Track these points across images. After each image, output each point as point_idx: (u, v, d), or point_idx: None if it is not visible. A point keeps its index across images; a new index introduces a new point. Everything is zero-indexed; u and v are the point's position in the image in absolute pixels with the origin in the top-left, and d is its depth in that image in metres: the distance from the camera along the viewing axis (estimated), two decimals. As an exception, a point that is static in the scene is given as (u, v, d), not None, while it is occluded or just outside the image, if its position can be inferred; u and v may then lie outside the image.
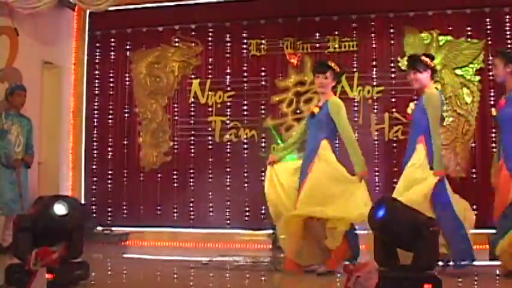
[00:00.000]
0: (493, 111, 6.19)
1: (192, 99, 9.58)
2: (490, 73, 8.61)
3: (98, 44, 10.05)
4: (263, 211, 8.41)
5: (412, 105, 6.21)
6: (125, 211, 9.62)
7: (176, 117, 9.64)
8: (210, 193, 9.30)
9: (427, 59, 6.05)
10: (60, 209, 4.84)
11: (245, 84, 9.41)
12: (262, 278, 5.78)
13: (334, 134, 6.24)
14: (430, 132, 5.84)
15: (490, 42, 8.68)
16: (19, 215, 5.29)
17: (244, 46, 9.47)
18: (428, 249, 4.43)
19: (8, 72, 8.47)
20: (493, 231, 6.06)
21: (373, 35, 9.07)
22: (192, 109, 9.58)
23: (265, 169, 6.41)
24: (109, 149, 9.85)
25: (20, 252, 4.74)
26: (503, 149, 5.92)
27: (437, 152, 5.80)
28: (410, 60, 6.23)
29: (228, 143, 9.38)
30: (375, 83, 8.97)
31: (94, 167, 9.89)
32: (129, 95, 9.87)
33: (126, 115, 9.82)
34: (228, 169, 9.29)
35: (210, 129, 9.45)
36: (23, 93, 7.98)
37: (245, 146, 9.25)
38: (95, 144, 9.92)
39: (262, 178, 6.82)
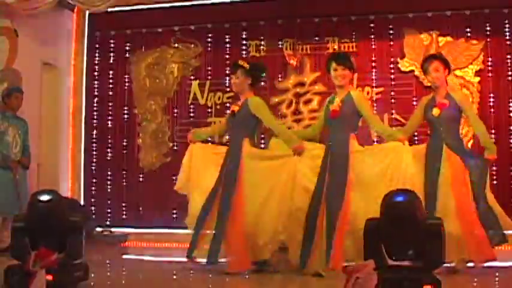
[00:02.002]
0: (434, 110, 6.24)
1: (192, 100, 9.58)
2: (490, 74, 8.63)
3: (97, 45, 10.04)
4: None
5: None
6: (124, 212, 9.61)
7: (176, 118, 9.64)
8: (209, 194, 9.28)
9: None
10: (44, 197, 4.87)
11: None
12: (261, 279, 5.78)
13: (255, 132, 6.34)
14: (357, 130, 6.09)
15: (489, 44, 8.69)
16: (16, 215, 5.30)
17: (244, 47, 9.47)
18: (440, 248, 4.44)
19: (7, 73, 8.47)
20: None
21: (372, 36, 9.07)
22: (192, 110, 9.58)
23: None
24: (108, 150, 9.84)
25: (17, 254, 4.74)
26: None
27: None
28: (340, 57, 6.28)
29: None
30: (374, 84, 8.97)
31: (93, 168, 9.88)
32: (128, 96, 9.86)
33: (126, 116, 9.82)
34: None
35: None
36: (20, 95, 7.96)
37: (244, 147, 9.23)
38: (94, 145, 9.91)
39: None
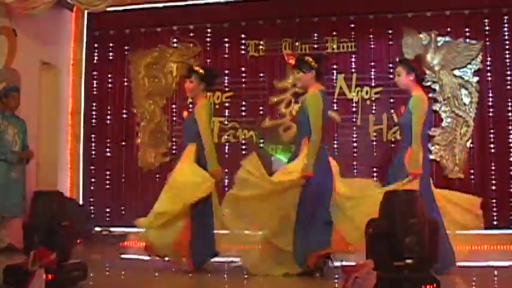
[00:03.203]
0: (396, 117, 6.15)
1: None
2: (489, 74, 8.65)
3: (96, 45, 10.04)
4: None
5: (297, 107, 6.19)
6: (123, 212, 9.60)
7: (174, 118, 9.64)
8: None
9: (312, 60, 6.09)
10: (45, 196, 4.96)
11: (243, 85, 9.41)
12: (261, 279, 5.77)
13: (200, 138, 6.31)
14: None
15: (488, 43, 8.70)
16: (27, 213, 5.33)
17: (243, 47, 9.47)
18: (437, 246, 4.47)
19: (6, 73, 8.46)
20: (492, 231, 6.09)
21: (371, 35, 9.08)
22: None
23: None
24: (107, 149, 9.84)
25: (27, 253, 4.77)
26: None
27: (312, 151, 5.75)
28: (296, 62, 6.25)
29: (227, 144, 9.37)
30: (373, 84, 8.97)
31: (92, 167, 9.88)
32: (127, 96, 9.86)
33: (124, 116, 9.81)
34: (226, 170, 9.25)
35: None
36: (17, 95, 7.95)
37: (243, 147, 9.24)
38: (93, 144, 9.91)
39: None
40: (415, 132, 5.73)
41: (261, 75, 9.34)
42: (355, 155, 8.91)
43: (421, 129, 5.75)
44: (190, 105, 6.56)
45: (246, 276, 5.87)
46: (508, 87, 8.64)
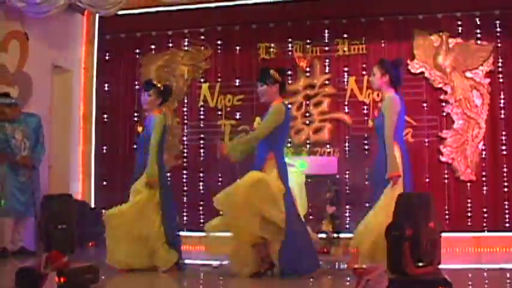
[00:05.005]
0: (370, 122, 6.10)
1: (202, 103, 9.59)
2: (500, 76, 8.60)
3: (107, 48, 10.07)
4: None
5: (258, 119, 6.21)
6: (135, 215, 9.60)
7: (186, 121, 9.66)
8: (219, 196, 9.27)
9: (276, 73, 6.06)
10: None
11: (254, 88, 9.39)
12: (271, 282, 5.76)
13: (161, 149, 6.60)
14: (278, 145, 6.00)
15: (499, 45, 8.66)
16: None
17: (254, 50, 9.47)
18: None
19: (18, 76, 8.51)
20: (504, 234, 6.05)
21: (382, 37, 9.05)
22: (202, 113, 9.59)
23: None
24: (118, 152, 9.85)
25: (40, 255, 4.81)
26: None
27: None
28: (260, 73, 6.27)
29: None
30: (384, 86, 8.93)
31: (104, 170, 9.90)
32: (138, 99, 9.86)
33: (136, 119, 9.83)
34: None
35: (219, 132, 9.46)
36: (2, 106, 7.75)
37: (255, 150, 9.23)
38: (104, 147, 9.93)
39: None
40: (387, 135, 5.69)
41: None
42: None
43: (393, 132, 5.69)
44: (148, 120, 6.65)
45: (257, 280, 5.86)
46: (520, 88, 8.61)
